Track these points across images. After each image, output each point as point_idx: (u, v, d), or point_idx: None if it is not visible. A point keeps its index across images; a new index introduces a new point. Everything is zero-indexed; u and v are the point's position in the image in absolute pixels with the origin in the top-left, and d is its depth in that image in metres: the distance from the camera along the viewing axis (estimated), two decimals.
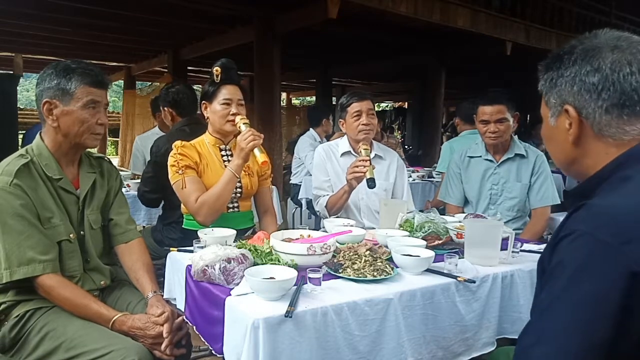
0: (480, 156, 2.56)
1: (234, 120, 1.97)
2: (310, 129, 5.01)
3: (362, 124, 2.33)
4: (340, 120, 2.46)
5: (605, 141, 0.86)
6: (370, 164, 2.16)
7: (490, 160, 2.53)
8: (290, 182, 5.00)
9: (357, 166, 2.15)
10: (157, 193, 2.60)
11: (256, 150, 1.87)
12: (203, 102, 2.06)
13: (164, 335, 1.44)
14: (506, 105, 2.43)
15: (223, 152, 2.07)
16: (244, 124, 1.93)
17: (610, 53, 0.84)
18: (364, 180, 2.23)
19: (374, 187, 2.14)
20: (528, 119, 9.15)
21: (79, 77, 1.52)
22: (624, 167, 0.82)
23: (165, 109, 2.89)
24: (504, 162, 2.50)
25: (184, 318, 1.52)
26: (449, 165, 2.72)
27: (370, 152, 2.30)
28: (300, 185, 4.51)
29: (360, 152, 2.25)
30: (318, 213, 2.48)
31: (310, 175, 3.08)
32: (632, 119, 0.84)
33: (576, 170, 0.93)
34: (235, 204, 2.06)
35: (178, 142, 1.99)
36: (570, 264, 0.74)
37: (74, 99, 1.52)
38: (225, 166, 1.97)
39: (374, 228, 2.21)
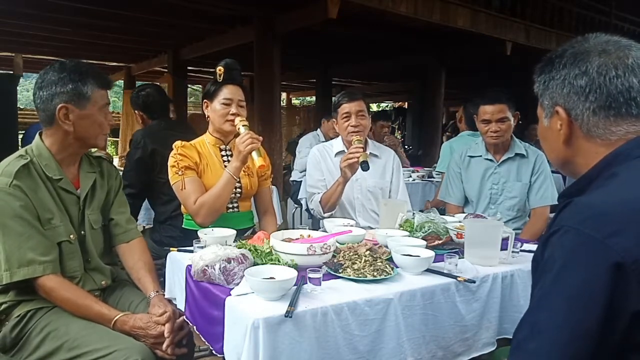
0: (481, 156, 2.56)
1: (233, 120, 1.97)
2: (319, 129, 4.97)
3: (351, 126, 2.34)
4: (333, 120, 2.48)
5: (594, 141, 0.89)
6: (364, 151, 2.18)
7: (491, 160, 2.53)
8: (291, 179, 4.98)
9: (350, 153, 2.17)
10: (135, 188, 2.58)
11: (254, 153, 1.87)
12: (204, 100, 2.06)
13: (165, 335, 1.44)
14: (507, 105, 2.44)
15: (223, 152, 2.07)
16: (243, 125, 1.92)
17: (598, 57, 0.87)
18: (358, 181, 2.23)
19: (368, 169, 2.15)
20: (520, 119, 9.12)
21: (93, 80, 1.54)
22: (611, 166, 0.85)
23: (136, 112, 2.89)
24: (504, 161, 2.50)
25: (185, 318, 1.52)
26: (449, 165, 2.72)
27: (365, 149, 2.29)
28: (301, 182, 4.50)
29: (353, 143, 2.25)
30: (312, 211, 2.47)
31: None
32: (618, 120, 0.87)
33: (571, 169, 0.96)
34: (235, 204, 2.06)
35: (178, 142, 1.99)
36: (559, 258, 0.76)
37: (91, 102, 1.54)
38: (225, 166, 1.97)
39: (370, 227, 2.21)
